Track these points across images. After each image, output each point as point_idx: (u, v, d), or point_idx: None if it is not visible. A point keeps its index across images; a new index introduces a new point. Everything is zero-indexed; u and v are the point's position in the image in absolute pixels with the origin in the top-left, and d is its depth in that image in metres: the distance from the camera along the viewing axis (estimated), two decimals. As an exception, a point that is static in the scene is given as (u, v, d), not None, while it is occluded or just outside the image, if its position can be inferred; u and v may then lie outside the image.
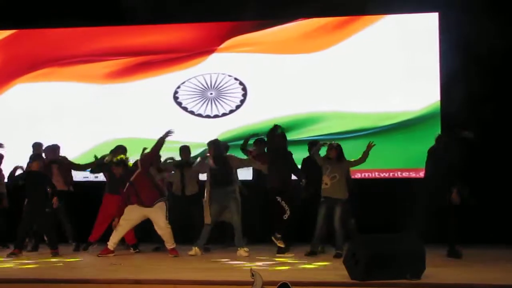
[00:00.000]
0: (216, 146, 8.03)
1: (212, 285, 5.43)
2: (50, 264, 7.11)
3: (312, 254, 7.50)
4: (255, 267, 5.07)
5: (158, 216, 7.63)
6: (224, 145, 8.42)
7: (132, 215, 7.70)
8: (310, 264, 6.91)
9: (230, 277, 5.65)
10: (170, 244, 7.68)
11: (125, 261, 7.05)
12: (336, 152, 7.66)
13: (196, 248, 7.78)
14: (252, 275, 4.95)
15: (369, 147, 7.58)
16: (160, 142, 7.72)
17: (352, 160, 7.75)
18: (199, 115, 9.85)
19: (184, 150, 8.55)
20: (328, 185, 7.55)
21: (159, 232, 7.70)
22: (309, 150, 8.29)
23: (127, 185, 7.68)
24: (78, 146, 9.51)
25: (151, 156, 7.80)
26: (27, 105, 10.11)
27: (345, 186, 7.61)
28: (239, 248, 7.76)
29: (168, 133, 7.68)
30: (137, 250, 8.18)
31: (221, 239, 8.48)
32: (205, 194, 7.93)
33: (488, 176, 8.69)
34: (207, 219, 7.84)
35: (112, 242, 7.71)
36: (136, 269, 6.45)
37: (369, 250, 5.42)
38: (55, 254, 7.77)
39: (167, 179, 8.45)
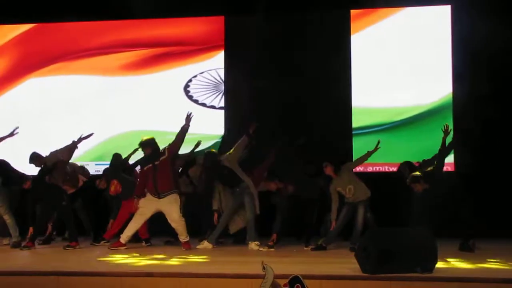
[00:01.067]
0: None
1: (224, 278, 5.43)
2: (62, 256, 7.17)
3: (322, 249, 7.53)
4: (266, 261, 5.06)
5: (172, 208, 7.60)
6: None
7: (145, 210, 7.69)
8: (322, 257, 6.92)
9: (242, 270, 5.66)
10: (183, 237, 7.67)
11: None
12: (331, 168, 7.65)
13: (206, 241, 7.84)
14: (264, 268, 4.96)
15: (376, 149, 7.70)
16: (184, 129, 7.62)
17: (353, 161, 7.84)
18: (212, 106, 9.90)
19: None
20: (350, 195, 7.59)
21: (173, 224, 7.68)
22: None
23: (149, 165, 7.63)
24: (91, 138, 9.48)
25: (178, 144, 7.70)
26: (41, 99, 10.19)
27: (363, 187, 7.63)
28: (250, 242, 7.79)
29: (188, 118, 7.60)
30: (149, 243, 8.21)
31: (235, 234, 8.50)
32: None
33: (501, 171, 8.65)
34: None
35: (125, 236, 7.72)
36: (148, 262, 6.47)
37: (380, 243, 5.41)
38: (71, 247, 7.81)
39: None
